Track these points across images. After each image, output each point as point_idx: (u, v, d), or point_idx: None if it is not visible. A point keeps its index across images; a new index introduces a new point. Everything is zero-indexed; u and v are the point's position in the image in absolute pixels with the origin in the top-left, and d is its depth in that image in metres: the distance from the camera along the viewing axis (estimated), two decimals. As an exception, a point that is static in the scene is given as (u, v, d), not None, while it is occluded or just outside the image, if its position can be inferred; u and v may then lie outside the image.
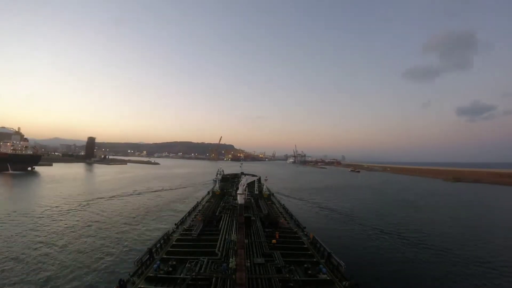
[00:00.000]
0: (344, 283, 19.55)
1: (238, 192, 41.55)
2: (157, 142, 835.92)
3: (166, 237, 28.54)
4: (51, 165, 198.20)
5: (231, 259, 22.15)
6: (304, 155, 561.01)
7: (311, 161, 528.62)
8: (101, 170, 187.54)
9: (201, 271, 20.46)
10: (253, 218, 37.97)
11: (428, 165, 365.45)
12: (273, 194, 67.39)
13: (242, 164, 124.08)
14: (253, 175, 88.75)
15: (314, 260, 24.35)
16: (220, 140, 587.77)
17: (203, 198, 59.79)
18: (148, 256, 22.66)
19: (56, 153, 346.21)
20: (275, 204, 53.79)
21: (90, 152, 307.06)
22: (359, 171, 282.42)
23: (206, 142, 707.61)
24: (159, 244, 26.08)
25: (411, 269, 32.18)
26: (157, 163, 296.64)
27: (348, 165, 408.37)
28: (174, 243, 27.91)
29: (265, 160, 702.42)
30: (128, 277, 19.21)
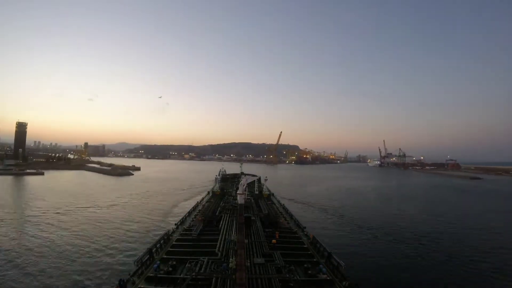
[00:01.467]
0: (344, 283, 19.54)
1: (238, 192, 41.50)
2: (213, 143, 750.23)
3: (166, 237, 28.53)
4: None
5: (231, 259, 22.18)
6: (404, 155, 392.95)
7: (416, 164, 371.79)
8: None
9: (201, 271, 20.47)
10: (253, 218, 38.02)
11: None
12: (273, 194, 67.36)
13: (242, 164, 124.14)
14: (253, 175, 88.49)
15: (314, 260, 24.33)
16: (279, 138, 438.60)
17: (203, 198, 59.79)
18: (148, 256, 22.68)
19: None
20: (275, 204, 53.80)
21: (20, 148, 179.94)
22: None
23: (268, 143, 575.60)
24: (159, 244, 26.07)
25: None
26: (131, 174, 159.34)
27: (468, 169, 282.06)
28: (174, 243, 27.94)
29: (337, 162, 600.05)
30: (128, 277, 19.21)
